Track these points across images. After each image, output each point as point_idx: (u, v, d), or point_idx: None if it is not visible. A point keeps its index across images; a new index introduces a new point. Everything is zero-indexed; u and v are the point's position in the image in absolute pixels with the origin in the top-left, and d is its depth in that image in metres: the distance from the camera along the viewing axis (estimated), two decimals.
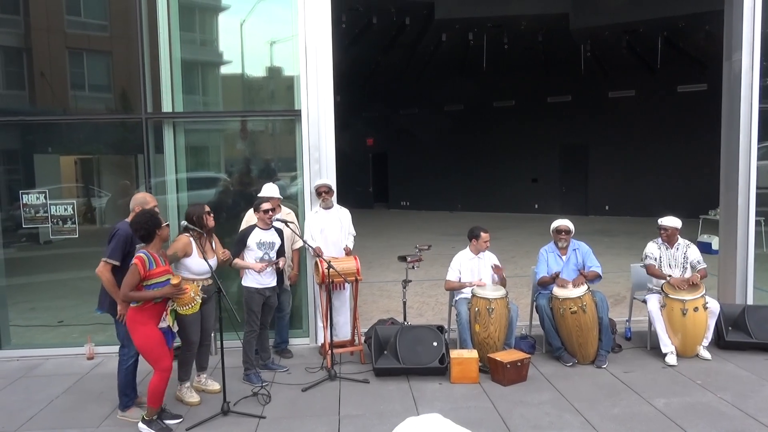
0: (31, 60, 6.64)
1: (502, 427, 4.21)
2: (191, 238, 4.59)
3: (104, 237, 4.51)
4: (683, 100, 15.40)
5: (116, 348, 4.59)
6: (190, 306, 4.22)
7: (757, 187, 6.29)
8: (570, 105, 17.04)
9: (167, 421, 4.29)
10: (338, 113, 6.11)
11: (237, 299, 5.36)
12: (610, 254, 10.06)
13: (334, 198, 5.93)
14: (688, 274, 5.62)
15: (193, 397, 4.73)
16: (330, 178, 5.96)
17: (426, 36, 14.47)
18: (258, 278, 5.01)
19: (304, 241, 5.61)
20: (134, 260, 4.03)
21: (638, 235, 10.60)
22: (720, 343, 5.66)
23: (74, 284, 6.63)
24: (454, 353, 5.11)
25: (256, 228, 5.07)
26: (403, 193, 20.73)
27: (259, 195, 5.46)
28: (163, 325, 4.14)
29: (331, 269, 5.19)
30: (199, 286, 4.50)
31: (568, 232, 5.70)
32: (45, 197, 6.07)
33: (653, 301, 5.56)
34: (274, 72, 6.72)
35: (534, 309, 5.78)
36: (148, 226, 4.10)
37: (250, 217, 5.45)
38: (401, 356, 5.19)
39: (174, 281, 4.09)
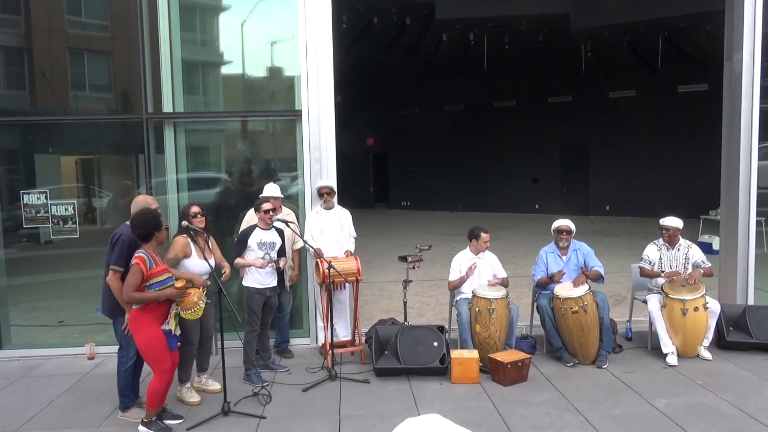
0: (32, 60, 6.64)
1: (503, 427, 4.21)
2: (188, 239, 4.58)
3: (105, 237, 4.50)
4: (684, 101, 15.39)
5: (117, 348, 4.59)
6: (193, 311, 4.21)
7: (758, 187, 6.29)
8: (570, 105, 17.04)
9: (168, 422, 4.29)
10: (339, 113, 6.11)
11: (237, 299, 5.36)
12: (611, 254, 10.05)
13: (335, 198, 5.93)
14: None
15: (194, 398, 4.73)
16: (331, 179, 5.96)
17: (426, 36, 14.47)
18: (259, 278, 5.01)
19: (305, 241, 5.61)
20: (134, 260, 4.02)
21: (639, 236, 10.59)
22: (721, 343, 5.66)
23: (75, 284, 6.64)
24: (455, 353, 5.11)
25: (257, 228, 5.07)
26: (403, 193, 20.73)
27: (261, 195, 5.46)
28: (165, 327, 4.13)
29: (331, 269, 5.19)
30: (204, 291, 4.49)
31: (569, 232, 5.70)
32: (46, 197, 6.07)
33: (654, 302, 5.56)
34: (274, 72, 6.72)
35: (535, 309, 5.78)
36: (148, 227, 4.10)
37: (250, 217, 5.45)
38: (402, 356, 5.19)
39: (178, 284, 4.09)
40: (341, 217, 5.92)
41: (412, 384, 5.03)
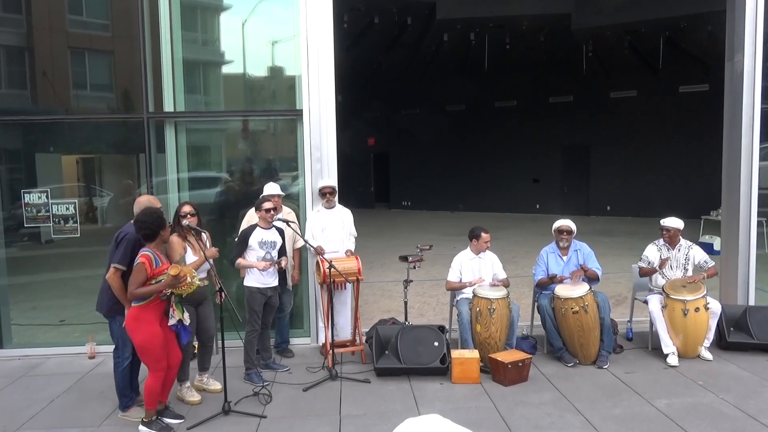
0: (33, 59, 6.64)
1: (503, 427, 4.21)
2: (180, 238, 4.57)
3: (106, 236, 4.50)
4: (685, 101, 15.38)
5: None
6: (189, 287, 4.18)
7: (759, 188, 6.28)
8: (571, 105, 17.03)
9: (168, 421, 4.29)
10: (339, 113, 6.11)
11: (237, 298, 5.36)
12: (612, 255, 10.05)
13: (336, 198, 5.93)
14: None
15: (194, 397, 4.73)
16: (332, 178, 5.96)
17: (427, 36, 14.48)
18: (260, 278, 5.01)
19: (305, 241, 5.61)
20: (140, 259, 4.01)
21: (639, 236, 10.59)
22: (721, 343, 5.65)
23: (75, 283, 6.64)
24: (455, 353, 5.10)
25: (258, 227, 5.07)
26: (404, 193, 20.73)
27: (262, 195, 5.46)
28: (173, 321, 4.13)
29: (332, 269, 5.19)
30: (193, 271, 4.45)
31: (569, 232, 5.70)
32: (47, 196, 6.07)
33: (654, 302, 5.56)
34: (275, 72, 6.72)
35: (535, 309, 5.78)
36: (154, 226, 4.09)
37: (251, 217, 5.45)
38: (402, 356, 5.19)
39: (172, 272, 4.06)
40: (342, 216, 5.92)
41: (412, 384, 5.03)
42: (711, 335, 5.52)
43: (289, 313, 5.91)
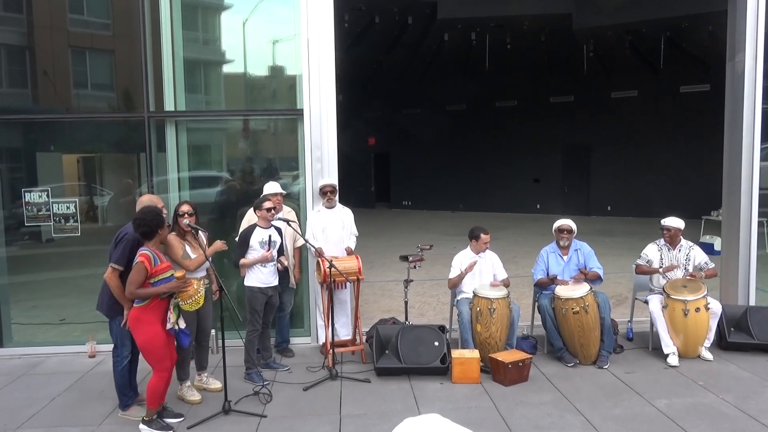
0: (34, 58, 6.65)
1: (504, 427, 4.21)
2: (178, 237, 4.57)
3: (106, 235, 4.50)
4: (686, 101, 15.37)
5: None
6: (193, 299, 4.20)
7: (760, 188, 6.28)
8: (572, 105, 17.02)
9: (169, 420, 4.29)
10: (340, 113, 6.10)
11: (237, 298, 5.37)
12: (612, 255, 10.04)
13: (337, 197, 5.93)
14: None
15: (195, 396, 4.73)
16: (332, 178, 5.96)
17: (428, 36, 14.47)
18: (261, 277, 5.01)
19: (306, 240, 5.61)
20: (139, 258, 4.01)
21: (640, 236, 10.56)
22: (722, 344, 5.65)
23: (76, 282, 6.65)
24: (456, 353, 5.10)
25: (257, 227, 5.06)
26: (404, 193, 20.72)
27: (264, 194, 5.46)
28: (169, 325, 4.12)
29: (332, 269, 5.19)
30: (201, 282, 4.50)
31: (570, 231, 5.70)
32: (47, 195, 6.07)
33: (655, 302, 5.56)
34: (276, 71, 6.72)
35: (536, 309, 5.78)
36: (152, 224, 4.09)
37: (251, 216, 5.44)
38: (402, 356, 5.19)
39: (178, 275, 4.09)
40: (343, 216, 5.91)
41: (412, 383, 5.03)
42: (711, 335, 5.52)
43: (289, 312, 5.91)
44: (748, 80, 6.20)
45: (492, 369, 5.08)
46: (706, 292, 5.40)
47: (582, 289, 5.32)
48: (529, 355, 5.16)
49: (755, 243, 6.32)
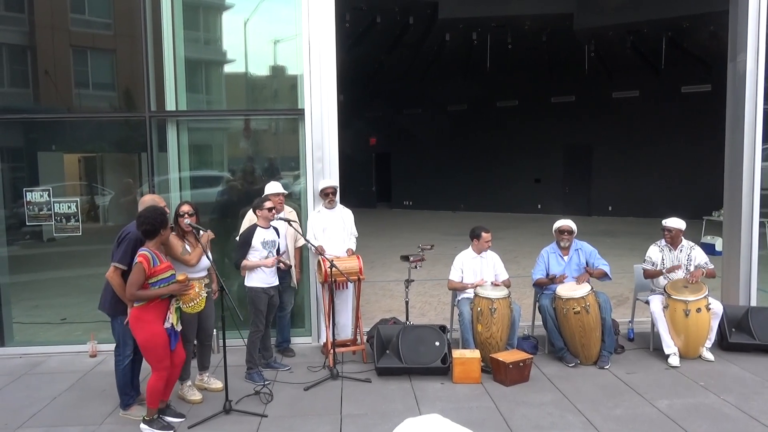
0: (36, 58, 6.66)
1: (504, 427, 4.21)
2: (177, 236, 4.57)
3: (107, 235, 4.51)
4: (687, 101, 15.36)
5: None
6: (195, 302, 4.22)
7: (762, 188, 6.27)
8: (573, 105, 17.01)
9: (170, 419, 4.30)
10: (341, 113, 6.10)
11: (237, 297, 5.37)
12: (613, 255, 9.99)
13: (338, 197, 5.93)
14: None
15: (196, 396, 4.73)
16: (333, 178, 5.96)
17: (430, 36, 14.47)
18: (264, 278, 5.00)
19: (307, 240, 5.61)
20: (138, 258, 4.02)
21: (641, 236, 10.58)
22: (723, 344, 5.65)
23: (77, 282, 6.66)
24: (457, 353, 5.10)
25: (258, 227, 5.06)
26: (405, 193, 20.73)
27: (265, 194, 5.45)
28: (166, 324, 4.13)
29: (333, 268, 5.19)
30: (203, 283, 4.50)
31: (570, 232, 5.69)
32: (49, 195, 6.08)
33: (656, 302, 5.55)
34: (277, 71, 6.72)
35: (537, 309, 5.78)
36: (155, 223, 4.09)
37: (252, 216, 5.44)
38: (403, 356, 5.19)
39: (180, 277, 4.10)
40: (343, 216, 5.91)
41: (413, 383, 5.03)
42: (712, 336, 5.51)
43: (290, 312, 5.91)
44: (750, 80, 6.19)
45: (493, 369, 5.08)
46: (707, 293, 5.40)
47: (583, 289, 5.32)
48: (530, 356, 5.16)
49: (756, 243, 6.31)
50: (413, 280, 6.07)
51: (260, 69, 6.79)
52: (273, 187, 5.54)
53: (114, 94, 6.80)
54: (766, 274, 6.57)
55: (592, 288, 5.39)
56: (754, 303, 6.29)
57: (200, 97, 6.71)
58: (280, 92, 6.85)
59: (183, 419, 4.37)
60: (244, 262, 4.97)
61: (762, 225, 6.45)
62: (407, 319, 5.98)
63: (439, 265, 8.64)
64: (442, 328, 5.36)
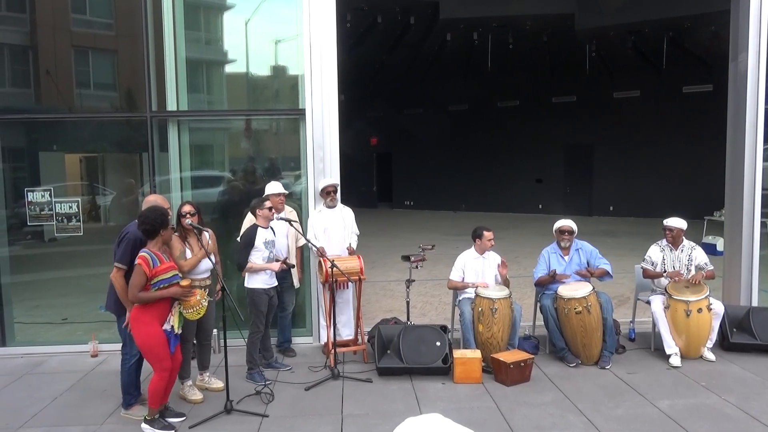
0: (37, 58, 6.66)
1: (505, 427, 4.21)
2: (179, 237, 4.57)
3: (108, 235, 4.51)
4: (688, 101, 15.35)
5: (120, 345, 4.60)
6: (195, 309, 4.21)
7: (763, 188, 6.27)
8: (575, 105, 17.01)
9: (170, 419, 4.30)
10: (342, 112, 6.10)
11: (237, 297, 5.36)
12: (614, 255, 9.95)
13: (338, 196, 5.93)
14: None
15: (196, 395, 4.74)
16: (334, 178, 5.96)
17: (430, 36, 14.47)
18: (265, 279, 5.00)
19: (308, 240, 5.61)
20: (138, 260, 4.02)
21: (642, 236, 10.56)
22: (724, 344, 5.64)
23: (78, 282, 6.66)
24: (458, 353, 5.10)
25: (259, 227, 5.05)
26: (406, 193, 20.74)
27: (266, 194, 5.45)
28: (167, 327, 4.12)
29: (334, 268, 5.19)
30: (206, 291, 4.49)
31: (571, 232, 5.69)
32: (50, 195, 6.08)
33: (657, 302, 5.55)
34: (278, 71, 6.72)
35: (538, 309, 5.77)
36: (156, 223, 4.08)
37: (251, 217, 5.44)
38: (404, 356, 5.19)
39: (183, 283, 4.09)
40: (344, 215, 5.92)
41: (414, 383, 5.03)
42: (714, 336, 5.51)
43: (291, 312, 5.91)
44: (751, 80, 6.19)
45: (494, 369, 5.08)
46: (708, 293, 5.39)
47: (584, 289, 5.31)
48: (531, 356, 5.16)
49: (758, 243, 6.30)
50: (414, 280, 6.08)
51: (261, 69, 6.80)
52: (273, 187, 5.54)
53: (115, 94, 6.81)
54: None
55: (593, 288, 5.39)
56: (755, 303, 6.28)
57: (201, 97, 6.72)
58: (281, 92, 6.86)
59: (184, 418, 4.37)
60: (250, 265, 4.95)
61: (763, 225, 6.44)
62: (408, 319, 5.98)
63: (440, 265, 8.64)
64: (443, 328, 5.36)
